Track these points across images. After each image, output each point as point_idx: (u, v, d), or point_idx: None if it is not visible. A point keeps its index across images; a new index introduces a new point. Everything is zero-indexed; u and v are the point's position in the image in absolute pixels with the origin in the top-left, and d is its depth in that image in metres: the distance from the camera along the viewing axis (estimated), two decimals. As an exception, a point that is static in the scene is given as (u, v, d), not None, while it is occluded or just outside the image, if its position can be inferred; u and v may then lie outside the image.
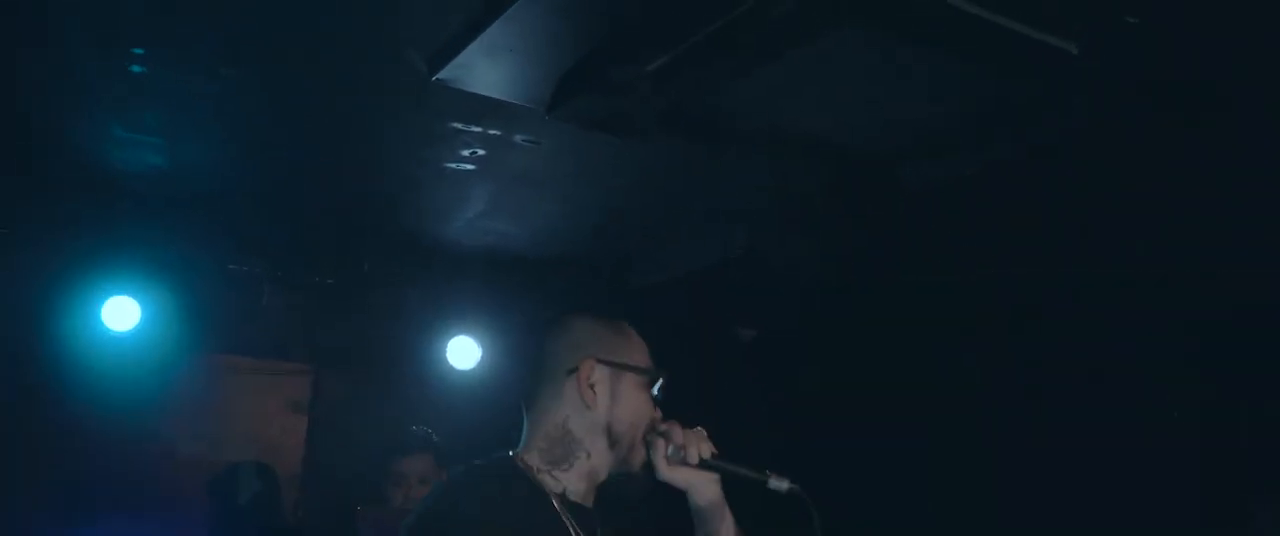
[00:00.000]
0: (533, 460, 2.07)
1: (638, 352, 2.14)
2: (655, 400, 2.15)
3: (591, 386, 2.05)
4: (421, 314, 5.03)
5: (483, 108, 3.17)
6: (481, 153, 3.59)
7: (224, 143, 3.70)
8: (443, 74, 2.88)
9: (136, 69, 2.96)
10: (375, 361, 5.06)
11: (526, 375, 2.15)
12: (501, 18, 2.61)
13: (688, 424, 2.19)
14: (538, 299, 5.07)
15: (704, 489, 2.16)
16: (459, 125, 3.35)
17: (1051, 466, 4.18)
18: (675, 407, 2.26)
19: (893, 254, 4.30)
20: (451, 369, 5.05)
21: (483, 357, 5.09)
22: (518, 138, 3.45)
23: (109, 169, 3.92)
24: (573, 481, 2.06)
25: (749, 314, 5.36)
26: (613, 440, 2.08)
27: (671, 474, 2.11)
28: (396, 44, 2.81)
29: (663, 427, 2.13)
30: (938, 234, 3.97)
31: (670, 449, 2.10)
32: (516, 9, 2.57)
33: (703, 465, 2.10)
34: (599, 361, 2.07)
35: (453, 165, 3.73)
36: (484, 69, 2.88)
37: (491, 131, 3.40)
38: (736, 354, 5.37)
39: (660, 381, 2.14)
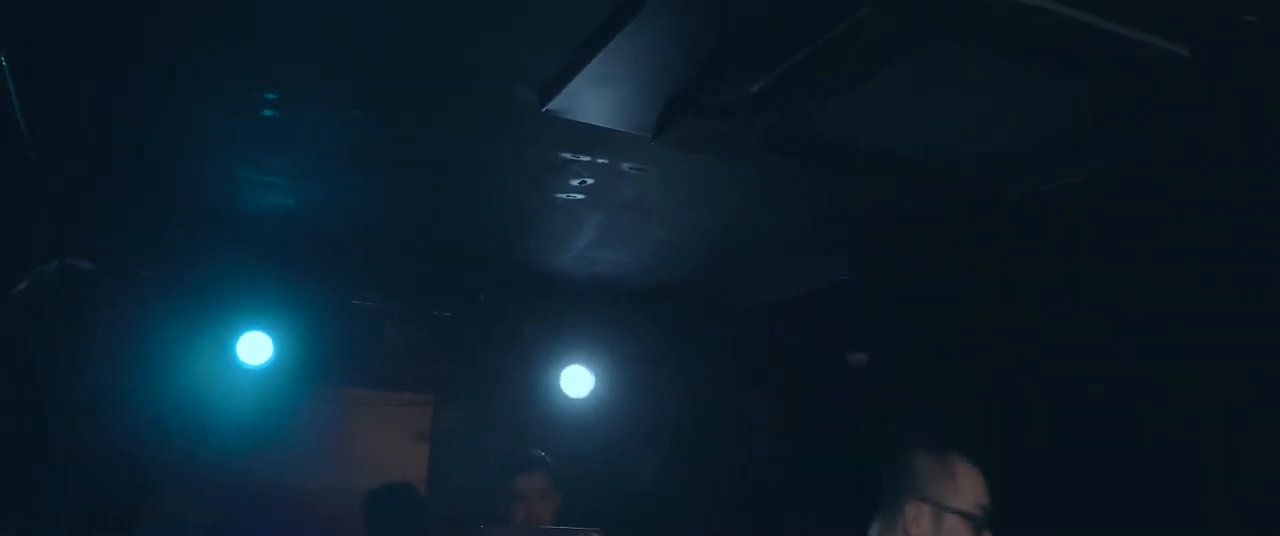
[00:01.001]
0: None
1: (965, 494, 2.46)
2: (981, 531, 2.46)
3: (915, 522, 2.46)
4: (536, 344, 5.17)
5: (591, 136, 3.27)
6: (590, 181, 3.69)
7: (348, 182, 3.89)
8: (552, 105, 2.99)
9: (268, 113, 3.14)
10: (492, 391, 5.20)
11: (878, 498, 2.57)
12: (605, 49, 2.70)
13: None
14: (649, 326, 5.16)
15: None
16: (568, 155, 3.46)
17: (1183, 470, 4.06)
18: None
19: (1002, 270, 4.25)
20: (565, 397, 5.15)
21: (595, 386, 5.18)
22: (625, 165, 3.54)
23: (239, 210, 4.14)
24: None
25: (860, 338, 5.34)
26: None
27: None
28: (508, 78, 2.93)
29: None
30: (1045, 247, 3.91)
31: None
32: (619, 40, 2.66)
33: None
34: (923, 502, 2.45)
35: (563, 196, 3.84)
36: (591, 98, 2.97)
37: (600, 160, 3.50)
38: (849, 378, 5.35)
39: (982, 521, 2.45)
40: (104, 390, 4.46)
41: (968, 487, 2.46)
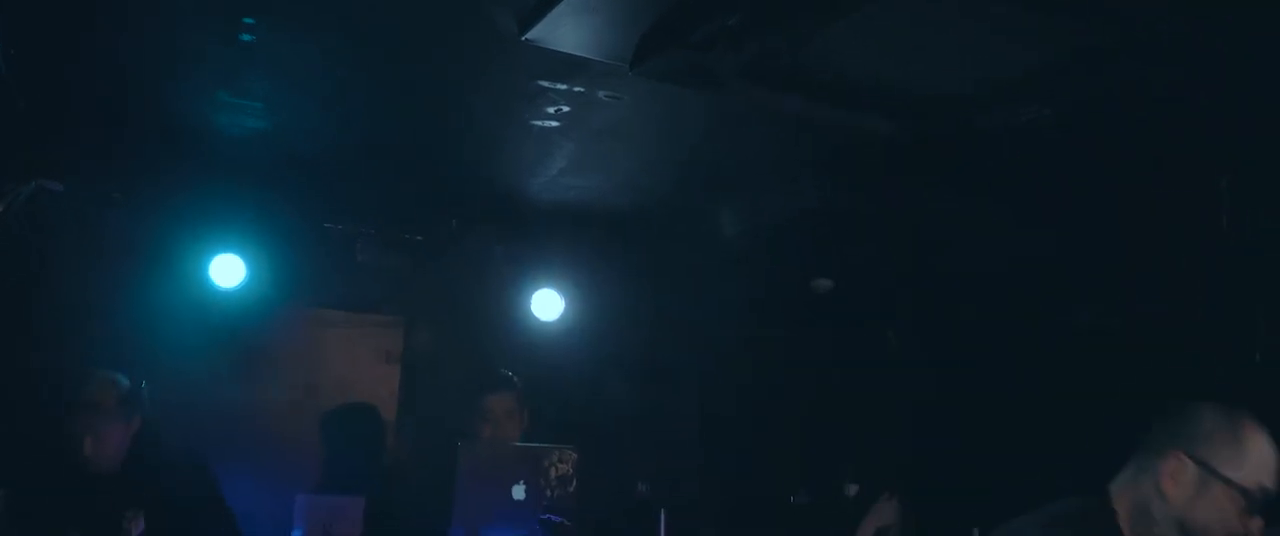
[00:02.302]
0: (1122, 518, 2.18)
1: (1248, 465, 2.10)
2: (1254, 513, 2.11)
3: (1172, 478, 2.12)
4: (507, 267, 5.22)
5: (569, 66, 3.29)
6: (566, 109, 3.72)
7: (322, 106, 3.89)
8: (532, 34, 3.01)
9: (246, 37, 3.13)
10: (463, 314, 5.26)
11: (1138, 443, 2.24)
12: (589, -22, 2.73)
13: None
14: (620, 252, 5.22)
15: None
16: (546, 83, 3.48)
17: (1126, 424, 4.20)
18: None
19: (969, 202, 4.35)
20: (536, 320, 5.23)
21: (566, 309, 5.26)
22: (601, 94, 3.57)
23: (213, 133, 4.13)
24: None
25: (828, 266, 5.45)
26: (1184, 529, 2.13)
27: None
28: (489, 5, 2.94)
29: None
30: (1013, 179, 4.00)
31: None
32: (603, -30, 2.68)
33: None
34: (1189, 458, 2.11)
35: (538, 123, 3.87)
36: (570, 27, 3.00)
37: (576, 89, 3.53)
38: (814, 305, 5.47)
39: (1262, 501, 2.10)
40: (74, 312, 4.46)
41: (1255, 460, 2.08)
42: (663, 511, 4.72)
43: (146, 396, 3.86)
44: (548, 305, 5.25)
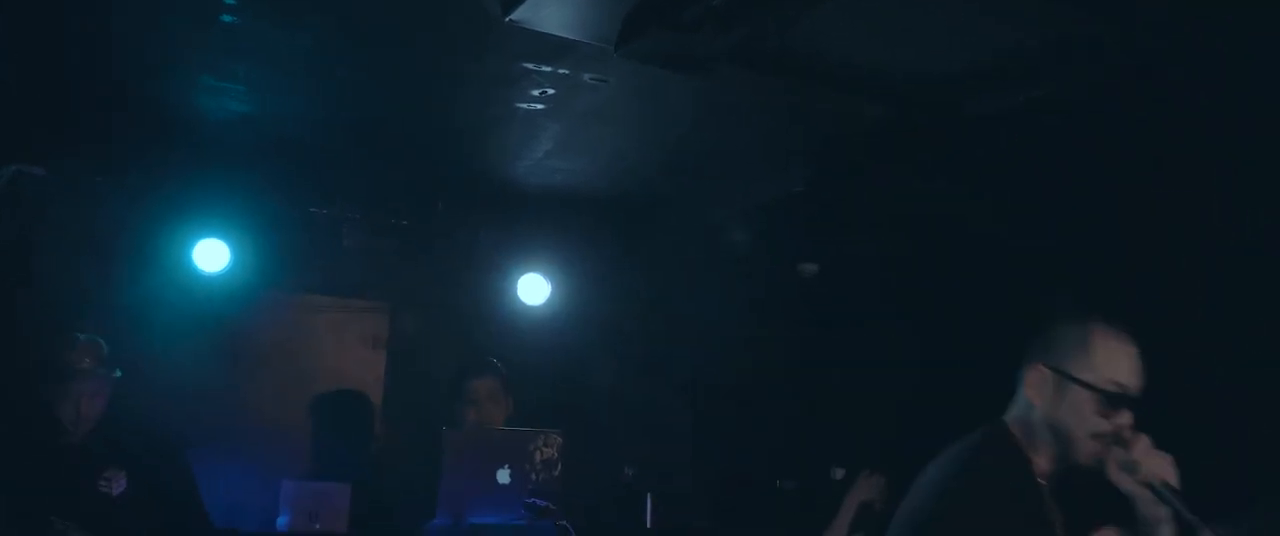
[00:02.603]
0: (1018, 434, 2.32)
1: (1099, 365, 2.22)
2: (1114, 408, 2.22)
3: (1036, 388, 2.28)
4: (493, 252, 5.20)
5: (553, 47, 3.27)
6: (551, 92, 3.70)
7: (306, 90, 3.86)
8: (516, 15, 2.99)
9: (227, 19, 3.11)
10: (449, 298, 5.24)
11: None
12: (572, -42, 2.71)
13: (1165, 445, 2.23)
14: (606, 236, 5.21)
15: (1148, 504, 2.21)
16: (530, 65, 3.46)
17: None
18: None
19: (956, 188, 4.35)
20: (522, 305, 5.22)
21: (552, 294, 5.25)
22: (586, 76, 3.55)
23: (197, 117, 4.10)
24: (1044, 462, 2.30)
25: (815, 249, 5.45)
26: (1056, 437, 2.27)
27: (1118, 478, 2.22)
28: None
29: (1127, 436, 2.22)
30: (999, 164, 4.00)
31: (1123, 459, 2.20)
32: (586, -50, 2.67)
33: (1148, 486, 2.17)
34: (1046, 367, 2.26)
35: (523, 105, 3.85)
36: (555, 9, 2.98)
37: (561, 71, 3.51)
38: (802, 288, 5.47)
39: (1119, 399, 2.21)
40: (56, 297, 4.43)
41: (1103, 359, 2.21)
42: (649, 496, 4.74)
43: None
44: (534, 290, 5.24)
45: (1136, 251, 4.03)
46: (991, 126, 3.74)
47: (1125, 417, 2.22)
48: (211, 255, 4.64)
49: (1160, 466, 2.16)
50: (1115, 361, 2.22)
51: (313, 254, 4.94)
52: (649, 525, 4.84)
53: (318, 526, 4.52)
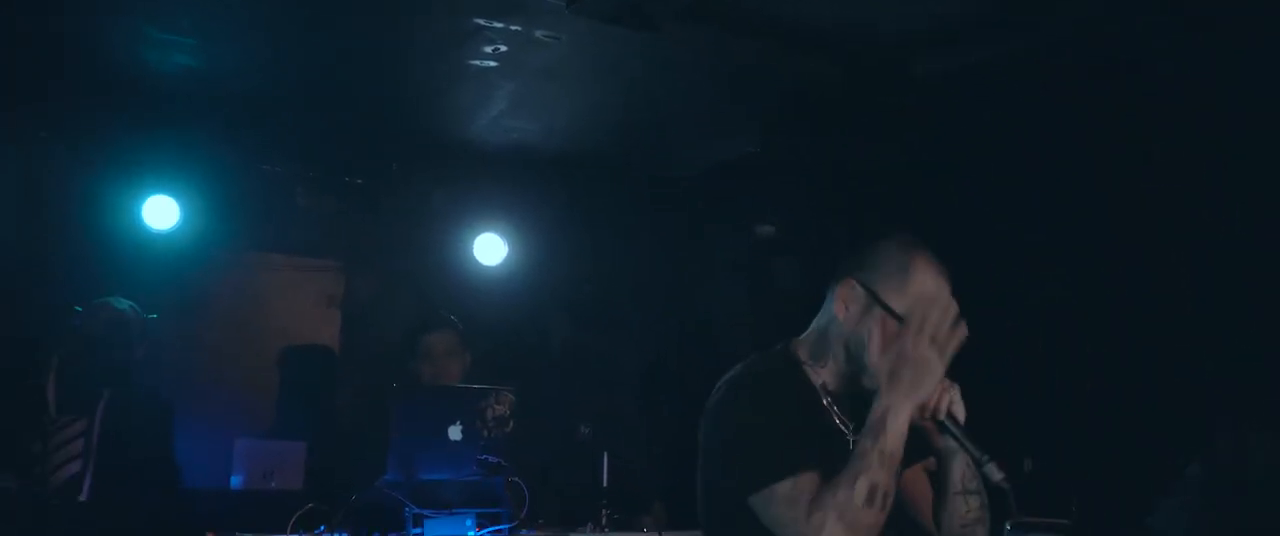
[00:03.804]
0: (802, 352, 2.22)
1: (908, 296, 2.10)
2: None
3: (843, 302, 2.15)
4: (449, 212, 5.18)
5: (505, 3, 3.25)
6: (504, 49, 3.69)
7: (254, 44, 3.81)
8: (465, -31, 2.97)
9: (170, -31, 3.06)
10: (404, 257, 5.22)
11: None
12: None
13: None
14: (563, 196, 5.20)
15: (933, 436, 2.17)
16: (482, 21, 3.44)
17: (1041, 367, 4.28)
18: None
19: (906, 147, 4.38)
20: (478, 264, 5.21)
21: (508, 254, 5.24)
22: (539, 33, 3.54)
23: (143, 70, 4.04)
24: (829, 377, 2.20)
25: (769, 208, 5.47)
26: (848, 355, 2.16)
27: None
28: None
29: None
30: (947, 124, 4.04)
31: None
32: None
33: (934, 419, 2.11)
34: (859, 283, 2.14)
35: (476, 62, 3.83)
36: (506, -36, 2.96)
37: (513, 27, 3.49)
38: (753, 248, 5.50)
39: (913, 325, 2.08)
40: (1, 253, 4.37)
41: (916, 286, 2.10)
42: (605, 453, 4.76)
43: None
44: (490, 249, 5.23)
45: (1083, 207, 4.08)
46: (940, 87, 3.77)
47: None
48: (161, 212, 4.58)
49: (946, 398, 2.09)
50: (929, 292, 2.10)
51: (265, 212, 4.89)
52: (605, 484, 4.87)
53: (273, 484, 4.50)
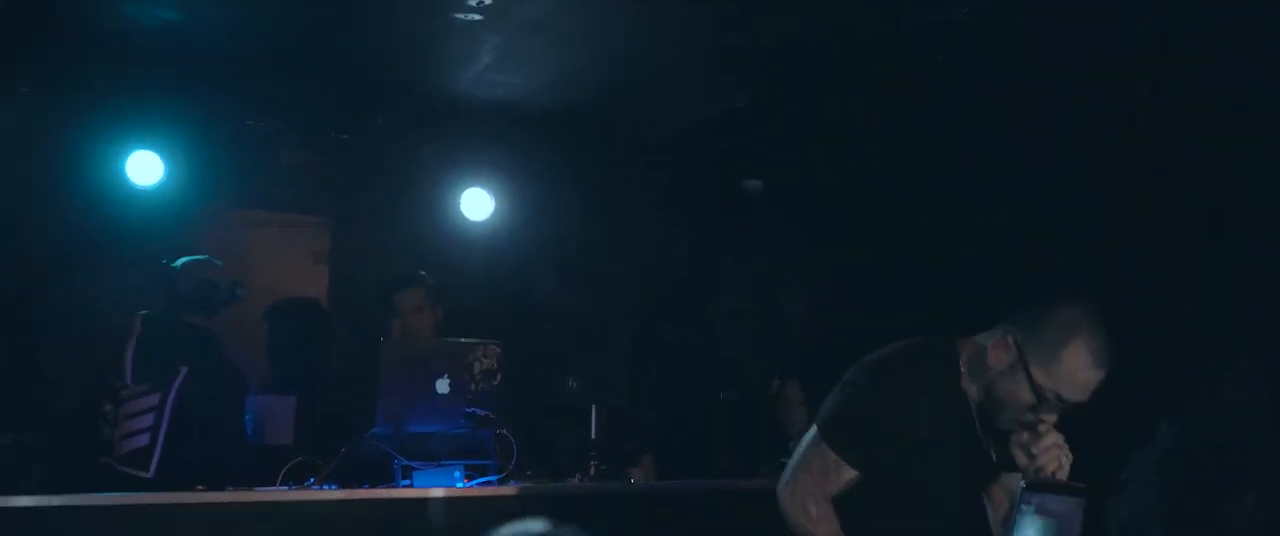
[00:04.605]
0: (966, 356, 2.38)
1: (1056, 374, 2.23)
2: (1047, 411, 2.25)
3: (996, 350, 2.30)
4: (436, 167, 5.17)
5: (488, -45, 3.23)
6: (488, 1, 3.66)
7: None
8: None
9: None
10: (392, 213, 5.21)
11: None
12: None
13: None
14: (550, 151, 5.19)
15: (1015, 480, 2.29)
16: (465, -27, 3.41)
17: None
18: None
19: (893, 100, 4.38)
20: (465, 219, 5.21)
21: (495, 209, 5.23)
22: (524, -16, 3.51)
23: (126, 25, 3.99)
24: (972, 390, 2.37)
25: (757, 163, 5.47)
26: (988, 393, 2.33)
27: (1016, 454, 2.28)
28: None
29: (1041, 428, 2.24)
30: (935, 76, 4.03)
31: (1026, 442, 2.24)
32: None
33: (1024, 473, 2.23)
34: (1016, 345, 2.27)
35: (461, 15, 3.80)
36: (489, -86, 2.93)
37: (498, -22, 3.46)
38: (746, 203, 5.50)
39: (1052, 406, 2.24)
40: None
41: (1060, 371, 2.21)
42: (593, 407, 4.80)
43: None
44: (477, 204, 5.22)
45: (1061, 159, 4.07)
46: (928, 42, 3.76)
47: (1051, 416, 2.25)
48: (145, 168, 4.56)
49: (1055, 463, 2.20)
50: (1075, 382, 2.23)
51: (251, 168, 4.87)
52: (593, 436, 4.91)
53: (263, 438, 4.53)
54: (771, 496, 2.41)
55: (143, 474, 3.71)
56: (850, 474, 2.31)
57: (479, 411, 3.64)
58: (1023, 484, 2.04)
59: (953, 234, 4.70)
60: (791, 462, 2.41)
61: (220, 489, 3.31)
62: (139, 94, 4.46)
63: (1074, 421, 2.30)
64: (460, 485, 3.50)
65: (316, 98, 4.86)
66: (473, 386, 3.59)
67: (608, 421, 4.42)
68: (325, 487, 3.37)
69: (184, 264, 4.07)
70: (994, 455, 2.37)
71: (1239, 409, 2.77)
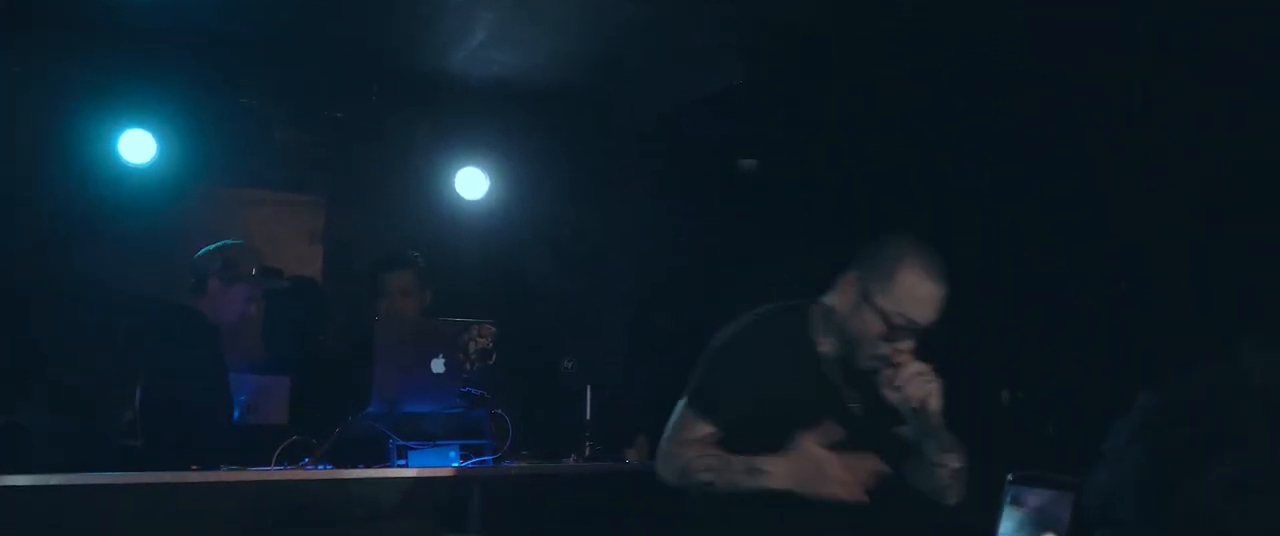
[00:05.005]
0: (815, 315, 2.49)
1: (898, 300, 2.33)
2: (898, 337, 2.34)
3: (842, 292, 2.42)
4: (430, 146, 5.14)
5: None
6: (483, -21, 3.63)
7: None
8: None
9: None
10: (386, 192, 5.19)
11: None
12: None
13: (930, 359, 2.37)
14: (545, 130, 5.16)
15: (909, 420, 2.38)
16: (459, -51, 3.38)
17: (1044, 292, 4.32)
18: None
19: (891, 81, 4.36)
20: (460, 199, 5.18)
21: (490, 188, 5.21)
22: (517, -39, 3.48)
23: (118, 1, 3.96)
24: (828, 346, 2.48)
25: (752, 143, 5.45)
26: (843, 338, 2.43)
27: (887, 393, 2.38)
28: None
29: (898, 359, 2.34)
30: (932, 57, 4.01)
31: (891, 378, 2.35)
32: None
33: (910, 408, 2.33)
34: (858, 280, 2.39)
35: (454, -9, 3.77)
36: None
37: (491, -45, 3.43)
38: (741, 183, 5.48)
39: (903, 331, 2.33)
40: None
41: (902, 291, 2.33)
42: (588, 387, 4.79)
43: None
44: (472, 184, 5.20)
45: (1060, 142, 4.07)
46: (928, 20, 3.74)
47: (906, 344, 2.35)
48: (137, 146, 4.53)
49: (922, 391, 2.30)
50: (914, 298, 2.33)
51: (244, 146, 4.84)
52: (588, 417, 4.91)
53: (257, 418, 4.52)
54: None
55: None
56: (717, 434, 2.42)
57: (474, 391, 3.63)
58: (1010, 477, 2.06)
59: (951, 221, 4.68)
60: (663, 437, 2.52)
61: (214, 468, 3.30)
62: (131, 72, 4.43)
63: (1075, 422, 2.31)
64: (456, 464, 3.49)
65: (311, 76, 4.83)
66: (468, 366, 3.58)
67: (603, 402, 4.42)
68: (320, 467, 3.36)
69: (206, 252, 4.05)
70: (858, 408, 2.44)
71: (1219, 376, 2.78)
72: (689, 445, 2.43)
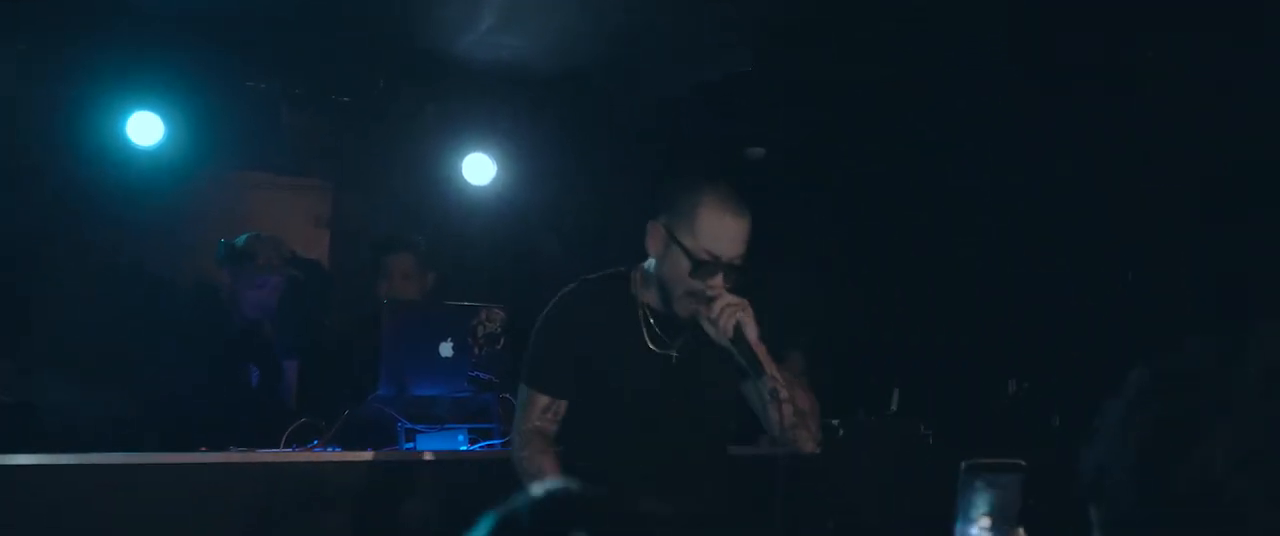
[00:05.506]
0: (638, 273, 2.57)
1: (702, 236, 2.38)
2: (708, 274, 2.40)
3: (651, 240, 2.49)
4: (437, 130, 5.13)
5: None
6: (492, -38, 3.62)
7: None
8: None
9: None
10: (393, 176, 5.18)
11: None
12: None
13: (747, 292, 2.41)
14: (552, 115, 5.15)
15: (732, 352, 2.41)
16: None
17: (1053, 283, 4.33)
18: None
19: (898, 64, 4.35)
20: (467, 184, 5.17)
21: (497, 174, 5.20)
22: (528, -55, 3.47)
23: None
24: (651, 299, 2.54)
25: (759, 129, 5.44)
26: (660, 287, 2.48)
27: (709, 330, 2.42)
28: None
29: (711, 294, 2.38)
30: (939, 41, 4.00)
31: (706, 314, 2.39)
32: None
33: (721, 340, 2.37)
34: (663, 226, 2.44)
35: (463, -25, 3.76)
36: None
37: (501, -62, 3.42)
38: (747, 171, 5.47)
39: (710, 266, 2.38)
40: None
41: (705, 227, 2.38)
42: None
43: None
44: (479, 169, 5.19)
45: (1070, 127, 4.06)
46: (933, 6, 3.73)
47: (716, 280, 2.40)
48: (145, 129, 4.53)
49: (732, 318, 2.33)
50: (716, 234, 2.38)
51: (251, 130, 4.83)
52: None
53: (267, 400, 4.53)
54: (769, 463, 2.43)
55: None
56: (558, 404, 2.50)
57: (482, 375, 3.63)
58: (964, 465, 2.05)
59: (954, 210, 4.68)
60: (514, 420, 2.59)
61: (223, 449, 3.31)
62: (139, 54, 4.42)
63: (1081, 413, 2.30)
64: (464, 448, 3.50)
65: (317, 59, 4.82)
66: (476, 350, 3.59)
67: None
68: (329, 450, 3.37)
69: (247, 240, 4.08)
70: (673, 354, 2.49)
71: (1216, 344, 2.77)
72: (532, 425, 2.51)
